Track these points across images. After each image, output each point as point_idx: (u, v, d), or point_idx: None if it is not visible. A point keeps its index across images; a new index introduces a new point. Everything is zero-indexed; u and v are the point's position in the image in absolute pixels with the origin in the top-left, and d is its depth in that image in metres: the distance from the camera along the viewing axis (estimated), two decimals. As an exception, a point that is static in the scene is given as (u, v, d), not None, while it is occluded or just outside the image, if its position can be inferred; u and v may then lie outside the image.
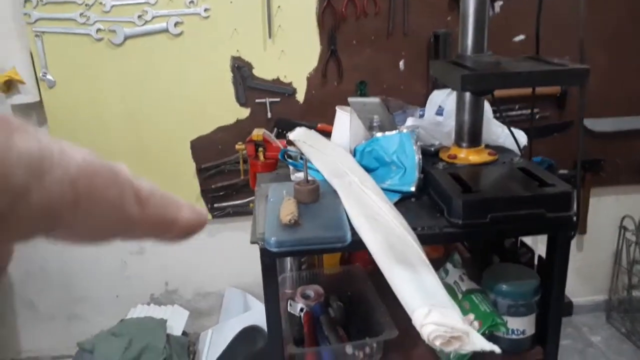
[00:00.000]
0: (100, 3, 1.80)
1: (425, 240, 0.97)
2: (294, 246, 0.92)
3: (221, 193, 2.01)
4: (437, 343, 0.77)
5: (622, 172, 2.19)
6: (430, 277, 0.86)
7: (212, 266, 2.20)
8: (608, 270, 2.42)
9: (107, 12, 1.82)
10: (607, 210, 2.28)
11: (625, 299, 2.38)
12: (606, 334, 2.42)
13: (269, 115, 1.97)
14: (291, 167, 1.20)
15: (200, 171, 1.99)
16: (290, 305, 1.23)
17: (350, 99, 1.17)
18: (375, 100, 1.15)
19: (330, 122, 1.98)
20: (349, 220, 0.96)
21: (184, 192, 2.00)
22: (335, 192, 1.04)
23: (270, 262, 0.95)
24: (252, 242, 0.94)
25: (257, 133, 1.23)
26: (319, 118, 1.99)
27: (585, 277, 2.43)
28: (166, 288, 2.23)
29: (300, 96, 1.98)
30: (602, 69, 2.03)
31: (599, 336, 2.41)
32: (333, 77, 1.97)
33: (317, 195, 1.03)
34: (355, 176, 1.07)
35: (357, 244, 0.92)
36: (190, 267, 2.20)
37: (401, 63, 1.96)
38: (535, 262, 1.20)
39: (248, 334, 2.04)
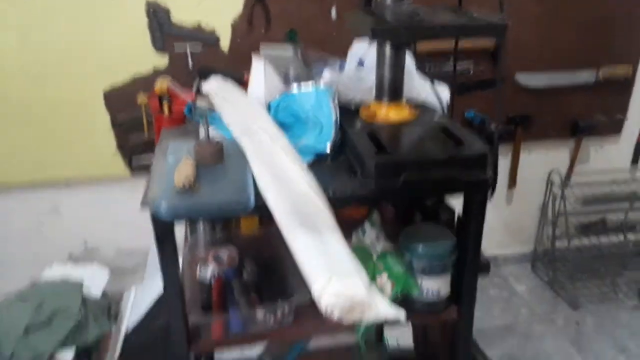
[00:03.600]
0: None
1: (336, 203, 0.91)
2: (188, 213, 0.84)
3: (139, 148, 1.87)
4: (336, 314, 0.73)
5: (551, 127, 2.21)
6: (336, 244, 0.81)
7: (135, 223, 2.08)
8: (534, 222, 2.49)
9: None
10: (536, 164, 2.32)
11: (549, 249, 2.47)
12: (531, 284, 2.52)
13: (190, 64, 1.82)
14: (199, 124, 1.10)
15: (115, 124, 1.84)
16: (200, 270, 1.16)
17: (262, 48, 1.07)
18: (289, 50, 1.05)
19: (258, 72, 1.86)
20: (255, 184, 0.88)
21: (98, 147, 1.85)
22: (242, 152, 0.96)
23: (163, 229, 0.86)
24: (142, 206, 0.85)
25: (161, 85, 1.10)
26: (246, 68, 1.86)
27: (513, 230, 2.50)
28: (85, 246, 2.11)
29: (225, 45, 1.84)
30: (535, 21, 1.99)
31: (523, 285, 2.51)
32: (260, 25, 1.83)
33: (220, 156, 0.94)
34: (267, 134, 0.99)
35: (262, 209, 0.85)
36: (111, 225, 2.08)
37: (333, 11, 1.85)
38: (456, 221, 1.18)
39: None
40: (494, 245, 2.47)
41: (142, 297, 2.04)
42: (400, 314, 0.81)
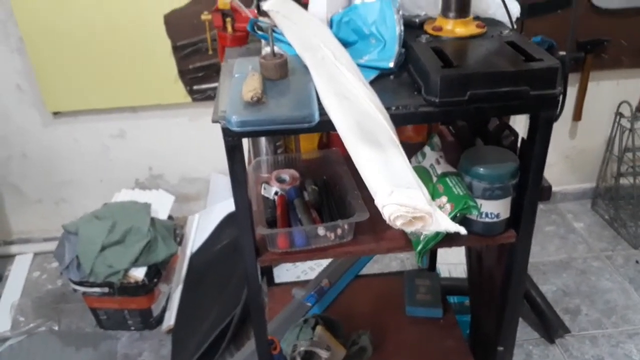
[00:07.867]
0: None
1: (399, 120, 0.91)
2: (257, 125, 0.86)
3: (200, 74, 1.91)
4: (398, 223, 0.75)
5: (626, 54, 2.07)
6: (398, 159, 0.82)
7: (197, 151, 2.17)
8: (598, 158, 2.39)
9: None
10: (605, 95, 2.20)
11: (613, 186, 2.38)
12: (589, 221, 2.46)
13: (250, -13, 1.80)
14: (262, 41, 1.11)
15: (176, 49, 1.87)
16: (264, 189, 1.21)
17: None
18: (353, -37, 1.02)
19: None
20: (318, 99, 0.89)
21: (159, 73, 1.90)
22: (306, 68, 0.96)
23: (233, 143, 0.90)
24: (214, 121, 0.88)
25: (224, 0, 1.11)
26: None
27: (575, 165, 2.41)
28: (150, 173, 2.22)
29: (283, -34, 1.80)
30: None
31: (582, 222, 2.46)
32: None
33: (284, 71, 0.95)
34: (329, 50, 0.98)
35: (326, 124, 0.87)
36: (174, 152, 2.17)
37: None
38: (519, 146, 1.15)
39: (234, 218, 2.07)
40: (554, 180, 2.40)
41: (205, 222, 2.15)
42: (460, 228, 0.82)
